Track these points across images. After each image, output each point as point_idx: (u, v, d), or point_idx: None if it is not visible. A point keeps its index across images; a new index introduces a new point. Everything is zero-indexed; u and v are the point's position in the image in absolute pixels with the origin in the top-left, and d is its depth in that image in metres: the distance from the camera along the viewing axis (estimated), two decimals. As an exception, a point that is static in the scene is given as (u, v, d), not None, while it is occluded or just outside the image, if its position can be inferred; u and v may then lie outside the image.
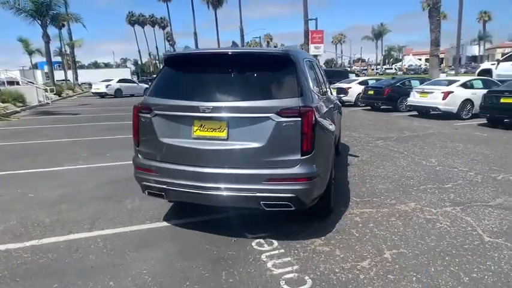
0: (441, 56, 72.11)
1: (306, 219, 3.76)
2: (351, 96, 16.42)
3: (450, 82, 12.77)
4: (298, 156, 3.04)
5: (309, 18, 31.52)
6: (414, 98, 12.84)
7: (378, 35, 74.93)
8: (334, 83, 16.95)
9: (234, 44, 4.19)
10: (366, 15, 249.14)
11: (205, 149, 3.13)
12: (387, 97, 14.50)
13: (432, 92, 12.19)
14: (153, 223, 3.81)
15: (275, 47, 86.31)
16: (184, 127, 3.21)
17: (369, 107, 15.96)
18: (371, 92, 15.28)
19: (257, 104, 3.02)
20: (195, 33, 59.80)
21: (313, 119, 3.02)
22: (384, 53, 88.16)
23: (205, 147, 3.13)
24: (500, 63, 18.20)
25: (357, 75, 24.30)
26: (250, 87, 3.19)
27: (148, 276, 2.81)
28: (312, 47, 30.60)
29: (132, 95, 28.36)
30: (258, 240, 3.39)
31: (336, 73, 22.33)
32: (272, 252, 3.16)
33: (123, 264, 3.01)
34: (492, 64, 19.30)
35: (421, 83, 14.63)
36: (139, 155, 3.48)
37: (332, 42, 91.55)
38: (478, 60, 64.80)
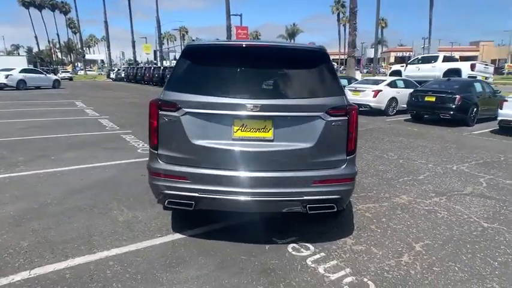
0: (342, 57, 79.51)
1: (319, 218, 3.69)
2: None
3: (377, 82, 14.02)
4: (344, 156, 2.97)
5: (233, 13, 31.54)
6: (348, 96, 13.75)
7: (292, 34, 78.76)
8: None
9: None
10: (279, 15, 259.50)
11: (248, 151, 2.83)
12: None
13: (364, 91, 13.23)
14: (166, 236, 3.34)
15: (193, 40, 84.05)
16: (222, 127, 2.86)
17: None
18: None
19: (306, 103, 2.85)
20: (106, 22, 54.85)
21: (357, 117, 2.98)
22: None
23: (247, 149, 2.83)
24: (408, 66, 20.73)
25: None
26: (294, 84, 2.99)
27: (200, 299, 2.46)
28: (237, 42, 30.92)
29: (39, 87, 24.79)
30: (291, 245, 3.23)
31: None
32: (314, 257, 3.04)
33: (171, 284, 2.57)
34: (401, 66, 21.85)
35: (349, 82, 15.82)
36: (159, 160, 2.99)
37: (236, 38, 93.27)
38: (375, 62, 73.39)
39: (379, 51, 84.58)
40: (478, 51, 68.45)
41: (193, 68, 3.06)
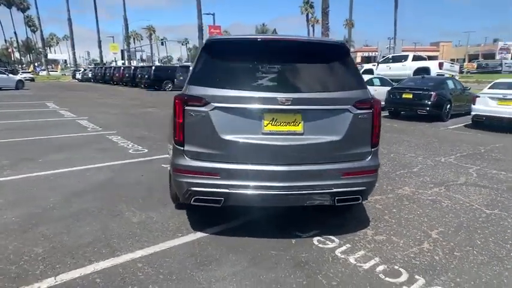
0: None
1: (334, 211, 3.74)
2: None
3: None
4: (369, 149, 3.03)
5: (205, 12, 31.27)
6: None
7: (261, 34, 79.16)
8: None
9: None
10: (248, 15, 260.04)
11: (278, 145, 2.83)
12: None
13: None
14: (187, 235, 3.26)
15: (162, 39, 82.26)
16: (252, 121, 2.83)
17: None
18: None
19: (335, 96, 2.89)
20: (70, 19, 52.53)
21: (380, 110, 3.06)
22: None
23: (278, 143, 2.83)
24: (380, 64, 21.49)
25: None
26: (320, 77, 3.02)
27: (243, 295, 2.42)
28: (210, 42, 30.67)
29: (0, 89, 23.27)
30: (315, 238, 3.26)
31: None
32: (342, 249, 3.09)
33: (209, 282, 2.51)
34: (373, 65, 22.61)
35: None
36: (186, 156, 2.91)
37: None
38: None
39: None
40: (438, 51, 72.06)
41: (218, 62, 3.01)
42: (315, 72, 3.05)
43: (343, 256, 2.96)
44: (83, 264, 2.74)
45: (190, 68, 3.35)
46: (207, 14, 31.82)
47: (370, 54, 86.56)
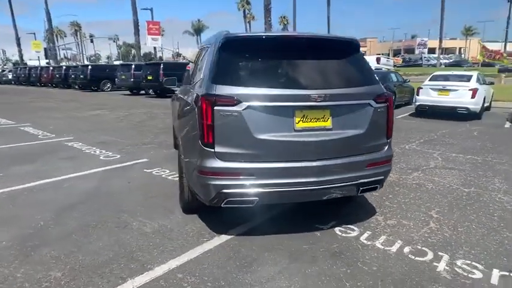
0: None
1: (337, 203, 3.86)
2: None
3: None
4: (385, 140, 3.24)
5: (142, 8, 29.76)
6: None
7: (198, 30, 77.83)
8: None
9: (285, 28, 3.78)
10: (182, 10, 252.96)
11: (310, 141, 2.88)
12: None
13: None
14: (213, 239, 3.17)
15: (91, 37, 76.55)
16: (284, 119, 2.84)
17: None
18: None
19: (358, 91, 3.02)
20: (-23, 13, 46.05)
21: (393, 104, 3.28)
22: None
23: (309, 139, 2.88)
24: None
25: None
26: (343, 73, 3.13)
27: (299, 291, 2.45)
28: (149, 38, 29.13)
29: None
30: (336, 229, 3.39)
31: (184, 67, 22.03)
32: (365, 236, 3.26)
33: (260, 282, 2.49)
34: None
35: None
36: (217, 158, 2.82)
37: (148, 34, 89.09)
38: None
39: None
40: (366, 46, 77.59)
41: (241, 60, 2.97)
42: (336, 68, 3.16)
43: (369, 243, 3.13)
44: (118, 283, 2.53)
45: (205, 66, 3.22)
46: (145, 9, 30.31)
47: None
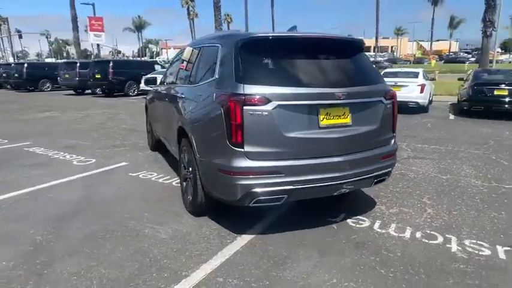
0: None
1: (337, 196, 4.03)
2: None
3: None
4: (392, 134, 3.46)
5: (82, 2, 27.66)
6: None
7: (139, 27, 74.50)
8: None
9: (294, 27, 3.73)
10: (119, 6, 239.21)
11: (333, 138, 2.99)
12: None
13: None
14: (237, 240, 3.14)
15: (19, 33, 69.68)
16: (309, 117, 2.91)
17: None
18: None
19: (372, 89, 3.18)
20: None
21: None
22: (142, 46, 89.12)
23: (333, 135, 2.98)
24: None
25: (163, 67, 23.91)
26: (357, 72, 3.25)
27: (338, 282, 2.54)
28: (91, 34, 27.24)
29: None
30: (348, 221, 3.55)
31: (138, 65, 21.05)
32: (376, 225, 3.45)
33: (302, 278, 2.52)
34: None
35: None
36: (247, 158, 2.80)
37: (85, 31, 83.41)
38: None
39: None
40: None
41: (266, 60, 2.97)
42: (351, 67, 3.29)
43: (383, 231, 3.33)
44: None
45: (220, 66, 3.15)
46: (86, 4, 28.14)
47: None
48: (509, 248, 3.01)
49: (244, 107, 2.75)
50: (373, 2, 47.01)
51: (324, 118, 2.95)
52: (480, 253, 2.94)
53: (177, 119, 3.95)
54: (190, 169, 3.60)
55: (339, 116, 3.01)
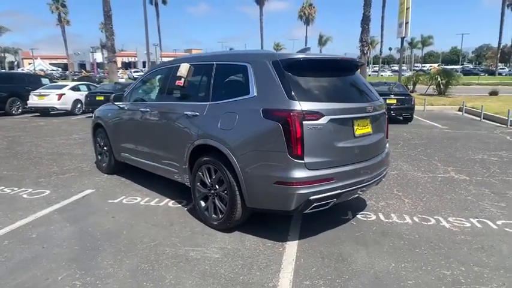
0: (65, 61, 72.14)
1: None
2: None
3: (61, 86, 15.86)
4: (387, 139, 4.16)
5: None
6: (33, 101, 14.71)
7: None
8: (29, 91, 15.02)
9: (306, 49, 3.95)
10: None
11: (363, 145, 3.50)
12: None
13: (48, 95, 14.62)
14: (288, 248, 3.34)
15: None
16: (348, 128, 3.35)
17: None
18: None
19: (380, 102, 3.80)
20: None
21: None
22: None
23: (363, 143, 3.49)
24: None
25: (52, 80, 20.65)
26: (368, 88, 3.81)
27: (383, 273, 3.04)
28: None
29: None
30: (358, 216, 4.10)
31: (21, 78, 17.63)
32: (381, 217, 4.10)
33: (371, 268, 2.91)
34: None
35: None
36: (307, 168, 3.06)
37: None
38: (102, 66, 71.78)
39: (105, 55, 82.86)
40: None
41: (309, 78, 3.31)
42: (364, 84, 3.85)
43: (390, 220, 3.99)
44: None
45: (257, 84, 3.32)
46: None
47: (130, 59, 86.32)
48: (478, 219, 4.01)
49: (304, 122, 3.02)
50: (253, 19, 50.64)
51: (357, 129, 3.44)
52: (465, 226, 3.85)
53: (188, 138, 3.87)
54: (218, 187, 3.62)
55: (364, 126, 3.55)
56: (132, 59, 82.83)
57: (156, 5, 46.79)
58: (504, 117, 11.75)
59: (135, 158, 5.10)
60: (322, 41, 70.43)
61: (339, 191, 3.28)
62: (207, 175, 3.74)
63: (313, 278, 2.83)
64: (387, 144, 4.20)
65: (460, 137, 9.25)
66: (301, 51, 3.90)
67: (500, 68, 53.05)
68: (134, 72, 49.51)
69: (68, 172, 6.04)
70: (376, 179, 3.73)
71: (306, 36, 62.94)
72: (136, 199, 4.69)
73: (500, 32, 51.12)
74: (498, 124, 11.76)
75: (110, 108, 5.76)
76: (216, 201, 3.67)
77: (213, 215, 3.72)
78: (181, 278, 2.84)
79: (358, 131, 3.47)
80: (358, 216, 4.12)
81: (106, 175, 5.81)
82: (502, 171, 6.02)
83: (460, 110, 15.47)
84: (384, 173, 3.93)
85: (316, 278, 2.84)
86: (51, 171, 6.12)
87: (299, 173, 3.07)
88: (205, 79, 3.99)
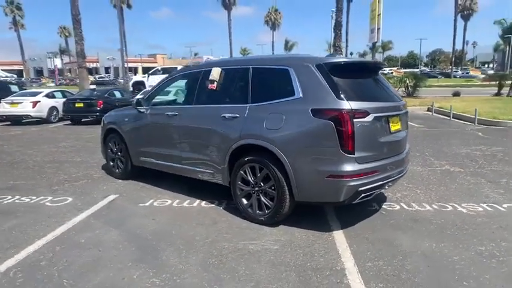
0: (20, 67, 68.21)
1: None
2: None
3: (36, 93, 15.14)
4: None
5: None
6: (5, 109, 14.05)
7: None
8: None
9: (333, 54, 4.22)
10: None
11: (396, 140, 3.89)
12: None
13: (22, 102, 14.06)
14: (337, 236, 3.61)
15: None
16: (386, 125, 3.71)
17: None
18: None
19: (404, 102, 4.20)
20: None
21: None
22: None
23: (396, 138, 3.88)
24: (151, 76, 22.34)
25: (22, 87, 19.47)
26: (391, 89, 4.19)
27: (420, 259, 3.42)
28: None
29: None
30: (384, 207, 4.45)
31: None
32: (404, 206, 4.48)
33: (422, 248, 3.26)
34: (143, 77, 23.09)
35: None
36: (357, 162, 3.37)
37: None
38: (62, 72, 68.63)
39: (64, 60, 79.21)
40: (157, 62, 79.76)
41: (351, 80, 3.64)
42: (388, 85, 4.23)
43: (414, 209, 4.39)
44: None
45: (302, 86, 3.59)
46: None
47: (92, 65, 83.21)
48: (488, 204, 4.51)
49: (354, 120, 3.33)
50: (218, 24, 51.00)
51: (392, 125, 3.80)
52: (479, 210, 4.32)
53: (228, 139, 4.03)
54: (263, 184, 3.82)
55: (396, 123, 3.92)
56: (94, 65, 79.98)
57: (121, 8, 45.38)
58: (471, 116, 12.81)
59: (159, 161, 5.15)
60: (288, 46, 72.09)
61: (381, 183, 3.62)
62: (250, 173, 3.93)
63: (372, 260, 3.13)
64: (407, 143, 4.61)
65: (439, 135, 10.04)
66: (330, 56, 4.22)
67: (454, 71, 57.11)
68: (99, 78, 47.64)
69: (80, 179, 5.93)
70: (401, 174, 4.10)
71: (273, 42, 64.23)
72: (166, 201, 4.76)
73: (454, 38, 55.26)
74: (466, 122, 12.80)
75: (125, 113, 5.76)
76: (262, 198, 3.87)
77: (258, 211, 3.92)
78: (253, 268, 3.02)
79: (393, 127, 3.84)
80: (384, 206, 4.48)
81: (121, 181, 5.78)
82: (488, 163, 6.69)
83: (429, 110, 16.59)
84: (407, 169, 4.30)
85: (374, 260, 3.14)
86: (60, 179, 5.98)
87: (350, 167, 3.37)
88: (242, 82, 4.17)
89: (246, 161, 3.94)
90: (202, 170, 4.53)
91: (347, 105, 3.36)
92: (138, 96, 5.80)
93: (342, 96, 3.41)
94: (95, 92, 15.40)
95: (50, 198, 4.96)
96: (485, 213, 4.23)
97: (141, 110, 5.29)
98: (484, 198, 4.73)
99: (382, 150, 3.68)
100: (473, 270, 2.95)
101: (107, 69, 71.44)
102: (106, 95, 14.60)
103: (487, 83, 28.71)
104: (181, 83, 5.46)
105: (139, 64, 67.44)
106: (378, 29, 17.99)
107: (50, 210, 4.51)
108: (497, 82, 21.75)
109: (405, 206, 4.48)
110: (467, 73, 49.86)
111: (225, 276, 2.91)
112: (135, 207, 4.60)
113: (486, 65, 71.98)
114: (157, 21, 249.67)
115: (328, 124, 3.36)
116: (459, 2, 54.86)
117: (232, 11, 56.26)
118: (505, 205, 4.48)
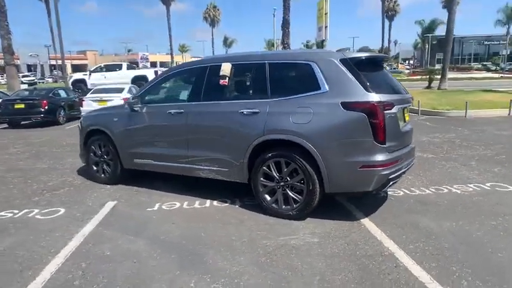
0: None
1: None
2: None
3: None
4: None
5: None
6: None
7: None
8: None
9: (343, 49, 4.20)
10: None
11: (407, 130, 4.14)
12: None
13: None
14: (366, 223, 3.75)
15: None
16: (402, 116, 3.94)
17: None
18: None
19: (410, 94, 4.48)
20: None
21: None
22: None
23: (406, 129, 4.12)
24: (92, 74, 20.69)
25: None
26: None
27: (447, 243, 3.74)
28: None
29: None
30: (390, 193, 4.72)
31: None
32: (417, 192, 4.79)
33: (449, 228, 3.55)
34: (84, 74, 21.28)
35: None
36: (387, 152, 3.53)
37: None
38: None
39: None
40: (87, 59, 74.23)
41: (372, 73, 3.80)
42: (394, 78, 4.46)
43: (417, 193, 4.73)
44: (402, 270, 2.86)
45: (327, 80, 3.64)
46: None
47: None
48: (474, 184, 5.03)
49: (385, 111, 3.48)
50: (150, 19, 49.19)
51: (403, 116, 4.04)
52: (470, 190, 4.80)
53: (248, 135, 3.95)
54: (289, 178, 3.82)
55: (404, 115, 4.17)
56: (14, 62, 71.79)
57: (47, 1, 41.25)
58: (415, 108, 14.04)
59: (158, 162, 4.84)
60: (227, 43, 71.88)
61: (402, 171, 3.86)
62: (275, 169, 3.89)
63: (411, 243, 3.32)
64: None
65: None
66: (340, 50, 4.35)
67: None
68: (23, 77, 42.99)
69: (59, 188, 5.34)
70: (412, 164, 4.36)
71: (213, 38, 63.54)
72: (175, 204, 4.51)
73: (383, 36, 60.24)
74: (411, 113, 13.98)
75: (112, 113, 5.33)
76: (289, 192, 3.86)
77: (284, 206, 3.90)
78: (307, 262, 3.02)
79: (407, 118, 4.09)
80: (390, 193, 4.75)
81: (109, 186, 5.32)
82: (452, 149, 7.45)
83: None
84: (414, 161, 4.53)
85: (413, 242, 3.33)
86: (35, 188, 5.32)
87: (383, 157, 3.52)
88: (259, 77, 4.09)
89: (270, 156, 3.90)
90: (214, 168, 4.36)
91: (377, 97, 3.50)
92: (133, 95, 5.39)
93: (370, 89, 3.54)
94: (37, 91, 14.19)
95: (36, 210, 4.39)
96: (476, 192, 4.72)
97: (135, 109, 4.92)
98: (468, 180, 5.27)
99: (402, 140, 3.92)
100: (498, 242, 3.30)
101: (29, 67, 64.61)
102: (50, 95, 13.53)
103: (414, 77, 31.70)
104: (179, 80, 5.18)
105: (69, 61, 62.12)
106: (326, 27, 18.75)
107: (44, 223, 4.00)
108: (428, 76, 24.18)
109: (407, 191, 4.80)
110: (395, 68, 54.68)
111: (286, 273, 2.86)
112: (144, 212, 4.28)
113: (407, 61, 79.34)
114: (83, 16, 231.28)
115: (361, 116, 3.46)
116: (385, 3, 59.71)
117: (171, 6, 54.33)
118: (488, 184, 5.04)
